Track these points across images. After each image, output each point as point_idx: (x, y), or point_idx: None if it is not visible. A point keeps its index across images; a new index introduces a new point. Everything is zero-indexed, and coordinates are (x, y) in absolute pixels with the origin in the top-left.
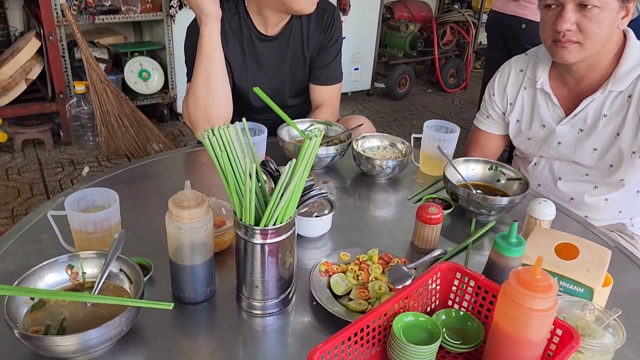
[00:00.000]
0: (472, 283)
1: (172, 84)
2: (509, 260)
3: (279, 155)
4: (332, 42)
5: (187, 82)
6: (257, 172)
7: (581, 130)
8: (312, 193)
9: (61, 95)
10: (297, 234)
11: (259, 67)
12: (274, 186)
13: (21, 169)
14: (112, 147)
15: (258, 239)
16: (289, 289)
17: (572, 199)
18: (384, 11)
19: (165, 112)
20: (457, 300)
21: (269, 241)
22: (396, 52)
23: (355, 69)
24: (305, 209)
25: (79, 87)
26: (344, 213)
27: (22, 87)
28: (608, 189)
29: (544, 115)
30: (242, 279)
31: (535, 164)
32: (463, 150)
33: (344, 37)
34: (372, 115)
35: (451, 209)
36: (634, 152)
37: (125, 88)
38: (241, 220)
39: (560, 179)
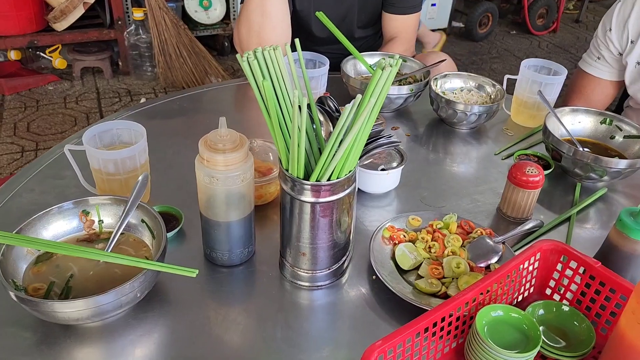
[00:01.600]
0: (581, 270)
1: (234, 14)
2: (637, 244)
3: (342, 94)
4: None
5: (241, 2)
6: (310, 109)
7: None
8: (380, 141)
9: (119, 22)
10: (358, 190)
11: None
12: (332, 129)
13: (79, 97)
14: (169, 79)
15: (308, 197)
16: (344, 258)
17: None
18: None
19: (226, 44)
20: (558, 289)
21: (321, 200)
22: None
23: (433, 5)
24: (369, 160)
25: (137, 14)
26: (416, 167)
27: (80, 11)
28: None
29: None
30: (287, 243)
31: None
32: (561, 100)
33: None
34: None
35: (551, 170)
36: None
37: (185, 17)
38: (287, 171)
39: None
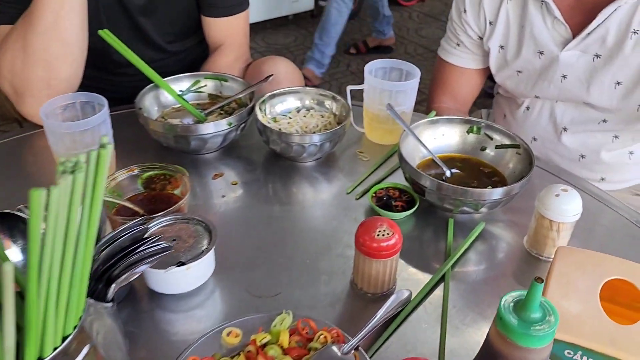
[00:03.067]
0: None
1: None
2: (531, 353)
3: (145, 141)
4: None
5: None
6: None
7: (597, 56)
8: (144, 250)
9: None
10: (155, 291)
11: None
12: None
13: None
14: None
15: None
16: None
17: (582, 156)
18: None
19: None
20: None
21: None
22: None
23: None
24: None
25: None
26: (241, 232)
27: None
28: (634, 137)
29: (541, 37)
30: None
31: (527, 108)
32: (427, 88)
33: None
34: None
35: (415, 208)
36: None
37: None
38: None
39: (565, 129)
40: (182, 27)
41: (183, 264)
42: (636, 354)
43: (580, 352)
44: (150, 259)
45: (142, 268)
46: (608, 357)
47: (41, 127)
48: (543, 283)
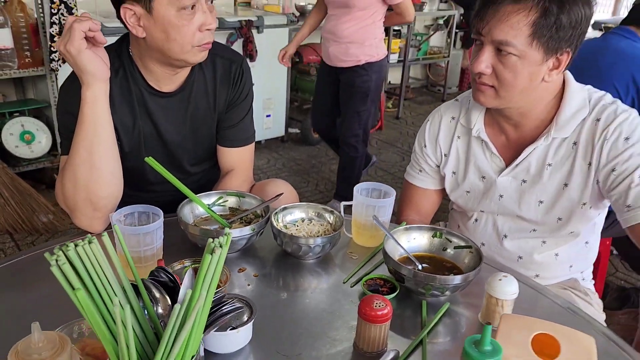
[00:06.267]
0: None
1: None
2: None
3: (182, 240)
4: (242, 96)
5: (62, 154)
6: (140, 294)
7: (524, 181)
8: (224, 310)
9: None
10: (207, 350)
11: (154, 130)
12: (170, 303)
13: None
14: None
15: None
16: None
17: (520, 257)
18: (293, 55)
19: (56, 176)
20: None
21: None
22: (308, 95)
23: (267, 116)
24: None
25: None
26: (267, 311)
27: None
28: (557, 242)
29: (483, 166)
30: None
31: (476, 220)
32: (396, 207)
33: (253, 84)
34: (288, 163)
35: (397, 292)
36: (584, 204)
37: (5, 154)
38: None
39: (505, 236)
40: (203, 154)
41: (234, 328)
42: None
43: None
44: (231, 314)
45: (221, 321)
46: None
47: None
48: (491, 326)
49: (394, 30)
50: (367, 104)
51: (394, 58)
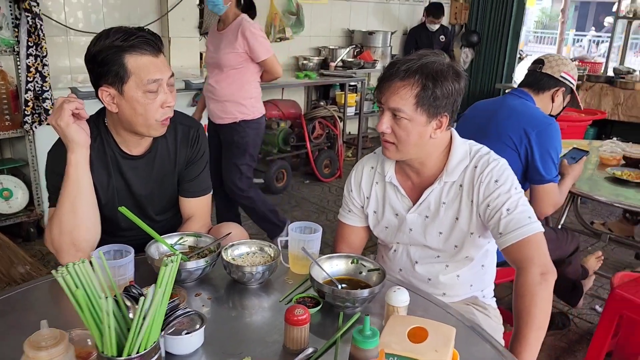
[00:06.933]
0: None
1: (38, 201)
2: (366, 352)
3: (149, 273)
4: (199, 155)
5: (50, 206)
6: (118, 303)
7: (427, 217)
8: (177, 313)
9: None
10: (168, 352)
11: (126, 186)
12: None
13: None
14: None
15: None
16: None
17: (429, 279)
18: None
19: (32, 230)
20: None
21: None
22: (271, 148)
23: None
24: (173, 328)
25: None
26: (219, 324)
27: None
28: (457, 266)
29: (396, 205)
30: None
31: (394, 250)
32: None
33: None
34: None
35: (320, 306)
36: (472, 233)
37: None
38: (103, 353)
39: (417, 262)
40: (167, 204)
41: (188, 333)
42: (424, 356)
43: (396, 357)
44: (179, 317)
45: (176, 321)
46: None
47: None
48: (369, 316)
49: (350, 85)
50: (246, 157)
51: (351, 111)
